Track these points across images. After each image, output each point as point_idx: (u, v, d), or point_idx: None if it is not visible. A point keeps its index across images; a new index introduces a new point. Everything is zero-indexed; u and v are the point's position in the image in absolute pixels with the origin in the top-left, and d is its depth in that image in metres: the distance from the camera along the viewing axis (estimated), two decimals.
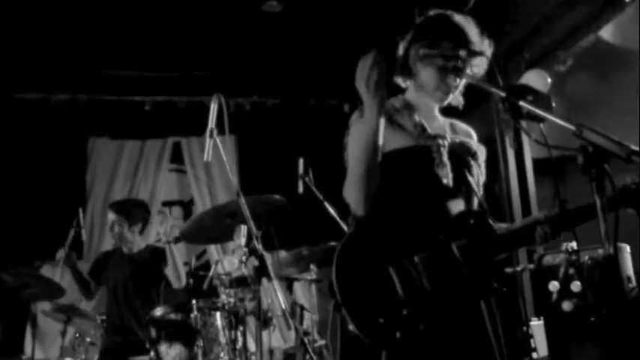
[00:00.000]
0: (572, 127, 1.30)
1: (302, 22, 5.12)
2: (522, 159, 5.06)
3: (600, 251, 2.99)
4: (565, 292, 3.14)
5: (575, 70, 4.62)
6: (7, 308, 4.42)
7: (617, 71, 4.22)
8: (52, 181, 5.57)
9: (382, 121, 1.89)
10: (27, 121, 5.62)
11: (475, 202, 1.98)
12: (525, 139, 5.03)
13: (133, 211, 4.24)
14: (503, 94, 1.46)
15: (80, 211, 4.36)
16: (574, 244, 3.13)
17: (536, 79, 1.62)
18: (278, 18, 5.01)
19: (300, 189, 3.96)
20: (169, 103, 5.90)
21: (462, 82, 1.98)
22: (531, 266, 4.07)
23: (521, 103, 1.42)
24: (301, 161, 3.98)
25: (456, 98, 2.06)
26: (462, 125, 2.15)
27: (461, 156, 1.99)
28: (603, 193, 1.27)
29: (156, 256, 4.24)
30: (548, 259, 3.57)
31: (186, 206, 6.02)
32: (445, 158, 1.93)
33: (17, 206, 5.40)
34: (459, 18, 2.00)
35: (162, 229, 3.72)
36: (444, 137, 1.98)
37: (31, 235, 5.32)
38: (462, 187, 1.97)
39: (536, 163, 4.99)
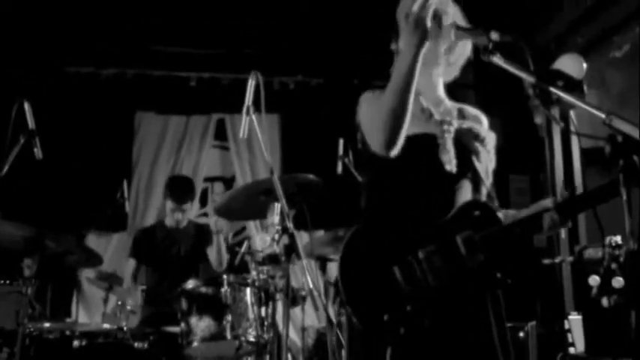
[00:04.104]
0: (602, 115, 1.24)
1: (349, 1, 5.06)
2: (569, 148, 4.90)
3: None
4: (605, 288, 3.04)
5: (632, 56, 4.41)
6: (55, 273, 4.57)
7: None
8: (99, 153, 5.73)
9: None
10: (78, 94, 5.77)
11: (483, 189, 1.94)
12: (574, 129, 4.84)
13: (192, 191, 4.39)
14: (533, 80, 1.41)
15: (125, 182, 4.45)
16: (618, 238, 3.01)
17: (571, 63, 1.54)
18: None
19: (340, 169, 3.94)
20: (214, 80, 5.94)
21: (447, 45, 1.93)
22: (570, 258, 3.95)
23: (552, 88, 1.36)
24: (341, 142, 3.94)
25: (451, 71, 2.05)
26: (471, 110, 2.09)
27: (468, 142, 1.94)
28: (631, 187, 1.21)
29: (200, 232, 4.33)
30: (590, 253, 3.45)
31: (228, 182, 6.10)
32: (449, 144, 1.89)
33: (65, 176, 5.58)
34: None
35: (213, 219, 3.82)
36: (449, 123, 1.93)
37: (78, 205, 5.49)
38: (468, 174, 1.92)
39: (585, 153, 4.81)
